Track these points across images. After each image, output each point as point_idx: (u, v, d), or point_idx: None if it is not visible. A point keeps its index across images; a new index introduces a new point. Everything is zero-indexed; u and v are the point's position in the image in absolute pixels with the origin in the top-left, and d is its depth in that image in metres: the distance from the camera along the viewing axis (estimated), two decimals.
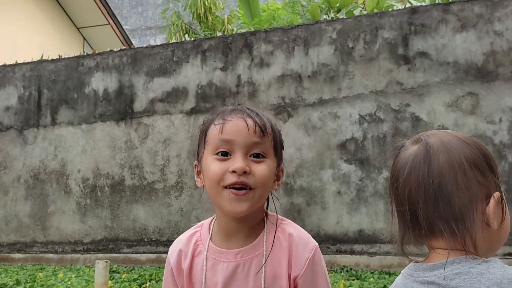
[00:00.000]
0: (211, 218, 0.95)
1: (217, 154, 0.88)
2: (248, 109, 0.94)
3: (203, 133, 0.92)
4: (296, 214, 4.74)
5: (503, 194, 0.76)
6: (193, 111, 5.33)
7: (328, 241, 4.62)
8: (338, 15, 6.59)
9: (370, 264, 4.26)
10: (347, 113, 4.75)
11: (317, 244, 0.95)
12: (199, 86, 5.35)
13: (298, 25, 5.14)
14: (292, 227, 0.94)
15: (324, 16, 6.56)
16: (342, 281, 3.53)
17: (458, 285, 0.70)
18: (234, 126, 0.88)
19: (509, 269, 0.70)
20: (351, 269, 4.21)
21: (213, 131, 0.90)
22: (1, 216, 5.80)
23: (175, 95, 5.43)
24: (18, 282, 3.88)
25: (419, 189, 0.75)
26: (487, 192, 0.75)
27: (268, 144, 0.91)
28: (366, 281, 3.58)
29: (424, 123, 4.47)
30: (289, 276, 0.89)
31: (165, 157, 5.35)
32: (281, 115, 4.97)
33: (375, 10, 6.16)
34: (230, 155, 0.87)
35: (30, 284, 3.84)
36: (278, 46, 5.09)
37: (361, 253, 4.44)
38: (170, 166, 5.31)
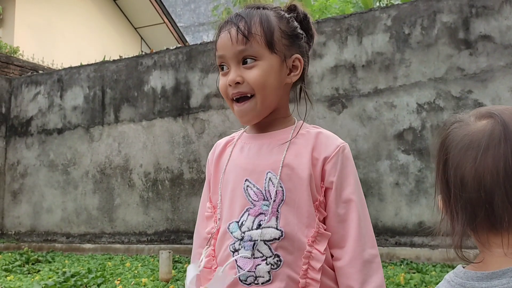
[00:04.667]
0: None
1: (220, 69, 0.93)
2: (238, 15, 0.92)
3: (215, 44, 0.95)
4: None
5: None
6: None
7: (387, 233, 4.54)
8: (392, 1, 6.38)
9: (431, 257, 4.14)
10: (404, 102, 4.61)
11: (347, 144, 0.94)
12: None
13: (351, 14, 5.05)
14: (323, 129, 0.95)
15: (377, 4, 6.38)
16: (403, 274, 3.47)
17: None
18: (222, 41, 0.91)
19: None
20: (411, 262, 4.11)
21: (218, 43, 0.94)
22: (72, 209, 6.23)
23: None
24: (89, 271, 4.17)
25: (499, 174, 0.62)
26: None
27: (256, 44, 0.88)
28: (428, 275, 3.49)
29: None
30: (315, 159, 0.89)
31: None
32: (335, 106, 4.92)
33: None
34: (228, 68, 0.91)
35: (100, 272, 4.11)
36: (330, 37, 5.03)
37: (421, 245, 4.33)
38: None
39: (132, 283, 3.67)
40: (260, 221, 0.85)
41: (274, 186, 0.86)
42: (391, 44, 4.72)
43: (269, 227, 0.84)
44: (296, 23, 0.94)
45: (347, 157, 0.90)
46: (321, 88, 5.01)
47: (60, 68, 8.19)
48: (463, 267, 0.69)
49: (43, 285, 3.54)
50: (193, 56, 5.79)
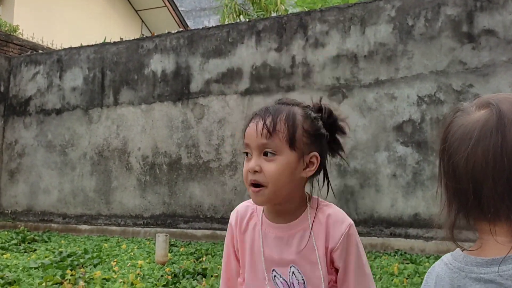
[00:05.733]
0: None
1: (245, 155, 1.03)
2: (267, 109, 1.02)
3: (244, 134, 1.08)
4: (349, 196, 4.72)
5: None
6: (247, 92, 5.39)
7: (382, 224, 4.57)
8: None
9: (425, 248, 4.18)
10: (405, 94, 4.61)
11: (352, 222, 1.05)
12: (254, 67, 5.39)
13: (355, 4, 5.02)
14: (331, 209, 1.05)
15: None
16: (397, 264, 3.51)
17: None
18: (249, 131, 1.01)
19: None
20: (405, 253, 4.15)
21: (246, 133, 1.05)
22: (69, 190, 6.24)
23: (230, 76, 5.52)
24: (86, 251, 4.19)
25: (488, 165, 0.62)
26: None
27: (278, 141, 0.98)
28: (421, 265, 3.53)
29: None
30: (326, 248, 1.02)
31: (220, 137, 5.48)
32: (335, 96, 4.92)
33: None
34: (251, 156, 1.01)
35: (96, 253, 4.14)
36: (333, 26, 5.01)
37: (416, 237, 4.37)
38: (224, 145, 5.44)
39: (128, 265, 3.69)
40: None
41: (297, 279, 1.01)
42: (394, 35, 4.71)
43: None
44: (320, 123, 1.03)
45: (351, 240, 1.03)
46: (322, 77, 5.00)
47: (60, 48, 8.13)
48: (462, 251, 0.69)
49: (40, 264, 3.56)
50: (195, 41, 5.76)
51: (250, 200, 1.12)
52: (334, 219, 1.03)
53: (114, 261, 3.84)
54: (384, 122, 4.67)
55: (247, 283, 1.07)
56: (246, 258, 1.07)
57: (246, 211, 1.12)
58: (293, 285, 1.02)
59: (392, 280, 3.04)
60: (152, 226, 5.63)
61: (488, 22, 4.33)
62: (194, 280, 3.13)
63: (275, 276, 1.03)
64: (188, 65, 5.76)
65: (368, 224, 4.58)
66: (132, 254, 4.24)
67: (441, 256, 0.74)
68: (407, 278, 3.10)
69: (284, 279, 1.02)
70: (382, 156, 4.64)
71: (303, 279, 1.01)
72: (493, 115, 0.64)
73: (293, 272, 1.02)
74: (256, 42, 5.41)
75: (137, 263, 3.70)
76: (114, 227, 5.76)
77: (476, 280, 0.64)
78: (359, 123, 4.76)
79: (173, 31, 6.05)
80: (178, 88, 5.78)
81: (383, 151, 4.64)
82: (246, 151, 1.02)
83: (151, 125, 5.87)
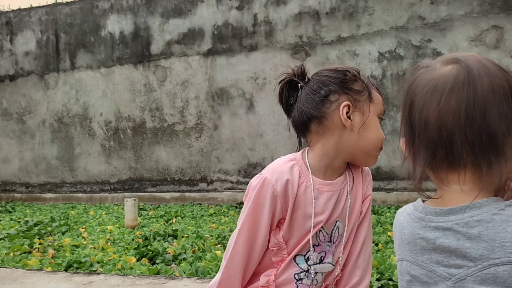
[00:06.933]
0: (300, 153, 1.08)
1: (379, 119, 1.06)
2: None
3: (365, 86, 1.04)
4: None
5: None
6: (210, 52, 5.30)
7: None
8: None
9: (387, 200, 4.38)
10: (366, 50, 4.67)
11: None
12: (215, 27, 5.28)
13: None
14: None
15: None
16: None
17: (480, 233, 0.63)
18: (381, 100, 1.07)
19: None
20: None
21: (378, 97, 1.05)
22: (30, 159, 6.06)
23: (191, 37, 5.39)
24: (53, 220, 4.14)
25: (460, 115, 0.66)
26: None
27: None
28: (383, 216, 3.71)
29: None
30: (363, 195, 1.10)
31: (184, 99, 5.41)
32: (298, 55, 4.91)
33: None
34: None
35: (64, 221, 4.10)
36: None
37: (378, 189, 4.56)
38: (189, 108, 5.38)
39: (97, 231, 3.69)
40: (322, 257, 1.06)
41: (338, 233, 1.07)
42: None
43: (328, 263, 1.07)
44: None
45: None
46: (284, 35, 4.97)
47: (8, 9, 7.62)
48: (423, 201, 0.73)
49: (6, 235, 3.50)
50: (153, 0, 5.54)
51: (286, 160, 1.08)
52: (365, 169, 1.12)
53: (82, 228, 3.83)
54: None
55: (291, 245, 1.05)
56: (297, 222, 1.04)
57: (292, 172, 1.04)
58: (334, 238, 1.06)
59: None
60: (119, 191, 5.60)
61: None
62: (165, 241, 3.18)
63: (320, 231, 1.04)
64: (147, 25, 5.57)
65: None
66: (100, 220, 4.23)
67: (401, 206, 0.77)
68: None
69: (327, 233, 1.06)
70: None
71: (342, 232, 1.07)
72: (463, 69, 0.67)
73: (337, 227, 1.06)
74: (217, 1, 5.26)
75: (107, 229, 3.71)
76: (80, 194, 5.69)
77: (435, 229, 0.68)
78: None
79: None
80: (138, 50, 5.60)
81: None
82: (382, 117, 1.08)
83: (112, 89, 5.71)
